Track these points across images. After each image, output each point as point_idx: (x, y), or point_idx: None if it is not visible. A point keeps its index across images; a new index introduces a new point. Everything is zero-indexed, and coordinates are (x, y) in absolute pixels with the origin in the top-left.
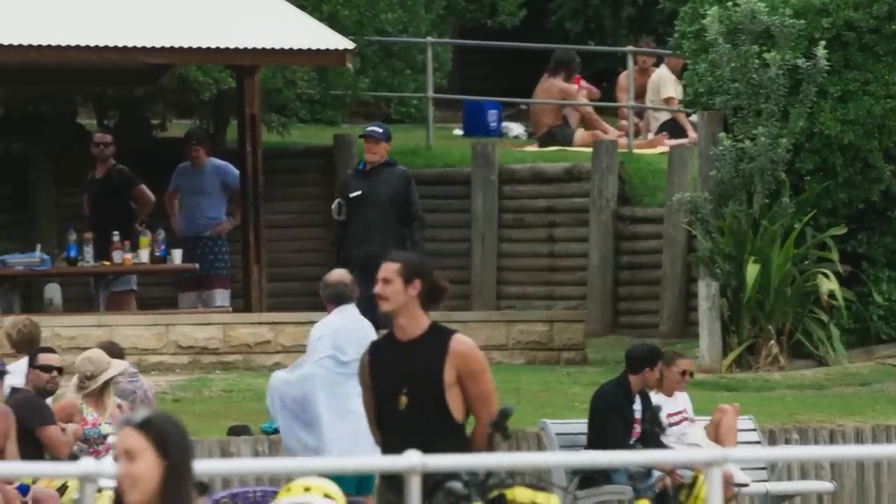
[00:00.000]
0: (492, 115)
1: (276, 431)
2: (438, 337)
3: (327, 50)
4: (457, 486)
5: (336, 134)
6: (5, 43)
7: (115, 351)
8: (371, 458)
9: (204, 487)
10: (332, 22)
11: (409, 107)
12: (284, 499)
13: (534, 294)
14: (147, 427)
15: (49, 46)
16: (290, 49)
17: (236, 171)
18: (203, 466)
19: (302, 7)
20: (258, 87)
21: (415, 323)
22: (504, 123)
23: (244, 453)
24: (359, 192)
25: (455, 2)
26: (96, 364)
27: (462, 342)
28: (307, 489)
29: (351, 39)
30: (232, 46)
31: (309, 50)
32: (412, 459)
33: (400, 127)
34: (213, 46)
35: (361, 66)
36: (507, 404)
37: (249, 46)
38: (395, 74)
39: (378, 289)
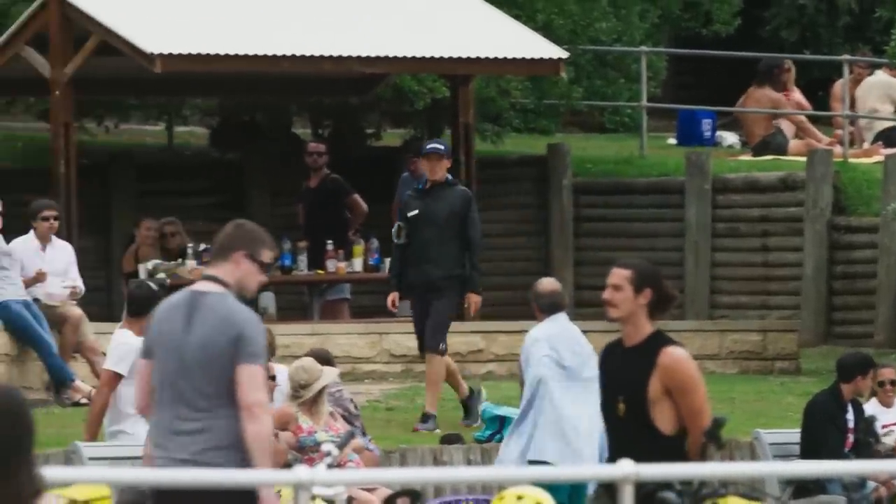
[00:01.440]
0: (706, 124)
1: (488, 440)
2: (653, 348)
3: (541, 59)
4: (670, 495)
5: (550, 143)
6: (222, 53)
7: (325, 357)
8: (582, 468)
9: (416, 495)
10: (547, 31)
11: (622, 116)
12: None
13: (747, 304)
14: None
15: (264, 56)
16: (504, 58)
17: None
18: (416, 475)
19: (516, 16)
20: (472, 97)
21: (638, 331)
22: (718, 132)
23: (457, 461)
24: (416, 212)
25: (670, 10)
26: (310, 373)
27: (670, 355)
28: (520, 498)
29: (565, 48)
30: (446, 56)
31: (523, 59)
32: (625, 469)
33: (614, 136)
34: (428, 56)
35: (575, 75)
36: (720, 414)
37: (464, 56)
38: (609, 83)
39: (607, 295)
